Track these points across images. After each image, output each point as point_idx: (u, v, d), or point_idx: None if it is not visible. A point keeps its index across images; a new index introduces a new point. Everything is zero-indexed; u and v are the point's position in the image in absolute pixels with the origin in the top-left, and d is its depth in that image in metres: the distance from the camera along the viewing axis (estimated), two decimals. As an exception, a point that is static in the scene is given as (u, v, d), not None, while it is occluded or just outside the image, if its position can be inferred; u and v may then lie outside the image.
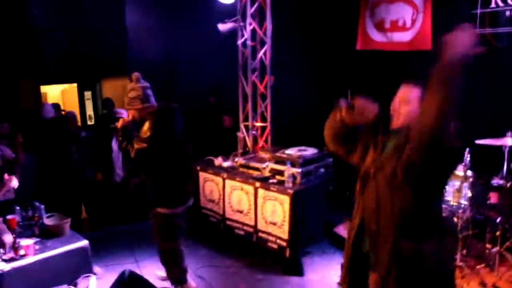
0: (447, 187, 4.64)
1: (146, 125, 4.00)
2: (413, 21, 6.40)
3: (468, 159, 4.58)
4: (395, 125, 2.55)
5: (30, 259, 3.67)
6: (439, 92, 2.19)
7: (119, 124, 4.12)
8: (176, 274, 4.43)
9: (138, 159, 4.04)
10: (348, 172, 3.13)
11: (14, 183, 3.83)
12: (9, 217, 4.17)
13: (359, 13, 7.12)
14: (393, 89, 2.66)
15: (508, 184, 4.52)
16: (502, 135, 4.55)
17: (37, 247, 3.82)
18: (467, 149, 4.58)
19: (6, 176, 3.86)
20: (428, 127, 2.24)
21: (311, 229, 5.14)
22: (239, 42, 6.11)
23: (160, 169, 4.12)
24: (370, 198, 2.57)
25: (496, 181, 4.59)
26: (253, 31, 6.10)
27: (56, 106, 7.20)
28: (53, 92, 10.65)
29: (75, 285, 3.91)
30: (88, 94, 8.41)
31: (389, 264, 2.47)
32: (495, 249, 4.54)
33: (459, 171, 4.61)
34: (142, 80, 4.16)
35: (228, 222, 5.60)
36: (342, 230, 5.45)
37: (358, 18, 7.14)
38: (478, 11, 5.51)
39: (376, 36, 6.96)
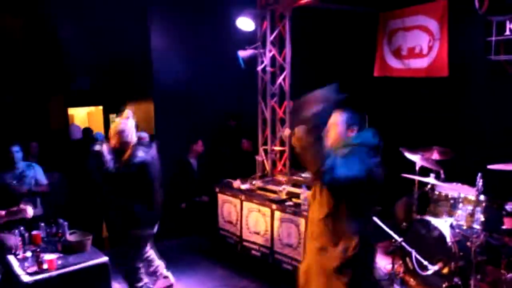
0: (459, 211, 4.69)
1: (128, 153, 4.39)
2: (430, 48, 6.50)
3: (481, 183, 4.60)
4: (327, 144, 3.01)
5: (52, 273, 3.83)
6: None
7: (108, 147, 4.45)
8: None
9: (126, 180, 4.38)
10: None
11: (30, 212, 3.99)
12: (34, 232, 4.40)
13: (376, 41, 7.28)
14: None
15: (522, 209, 4.52)
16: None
17: (59, 262, 3.98)
18: (479, 174, 4.62)
19: (22, 205, 4.00)
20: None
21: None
22: (259, 68, 6.29)
23: (138, 192, 4.46)
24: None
25: (509, 206, 4.59)
26: (273, 57, 6.28)
27: (87, 130, 7.49)
28: (79, 114, 11.02)
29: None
30: (113, 117, 8.65)
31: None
32: (510, 275, 4.52)
33: (471, 195, 4.64)
34: (129, 117, 4.53)
35: (245, 243, 5.70)
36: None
37: (375, 45, 7.30)
38: (493, 38, 5.58)
39: (394, 63, 7.08)
